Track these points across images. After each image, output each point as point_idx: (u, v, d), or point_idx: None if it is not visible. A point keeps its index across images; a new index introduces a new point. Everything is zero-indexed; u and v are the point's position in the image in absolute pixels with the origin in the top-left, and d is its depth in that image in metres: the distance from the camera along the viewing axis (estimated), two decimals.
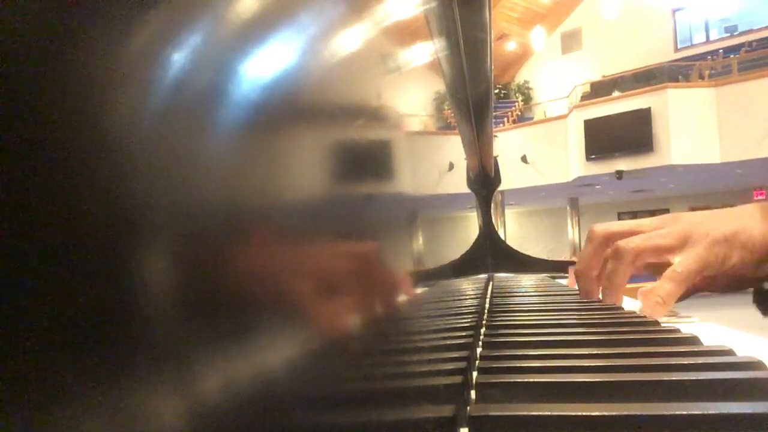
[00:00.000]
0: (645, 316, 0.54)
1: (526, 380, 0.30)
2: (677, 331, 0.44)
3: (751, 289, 0.60)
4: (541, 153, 9.60)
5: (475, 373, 0.33)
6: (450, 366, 0.30)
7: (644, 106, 8.35)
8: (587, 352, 0.36)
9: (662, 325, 0.47)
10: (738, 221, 0.57)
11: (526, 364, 0.33)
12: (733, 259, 0.55)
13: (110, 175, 0.07)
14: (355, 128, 0.20)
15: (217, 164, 0.10)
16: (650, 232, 0.61)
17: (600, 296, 0.66)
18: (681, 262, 0.57)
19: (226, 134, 0.10)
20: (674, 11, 12.22)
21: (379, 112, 0.25)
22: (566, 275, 1.20)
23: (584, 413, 0.24)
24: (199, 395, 0.08)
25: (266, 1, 0.13)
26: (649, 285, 0.62)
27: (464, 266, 0.75)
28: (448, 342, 0.36)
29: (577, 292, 0.71)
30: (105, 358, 0.07)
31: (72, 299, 0.06)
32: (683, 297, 0.63)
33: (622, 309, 0.61)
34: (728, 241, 0.55)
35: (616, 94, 9.44)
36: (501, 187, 1.49)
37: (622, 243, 0.61)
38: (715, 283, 0.63)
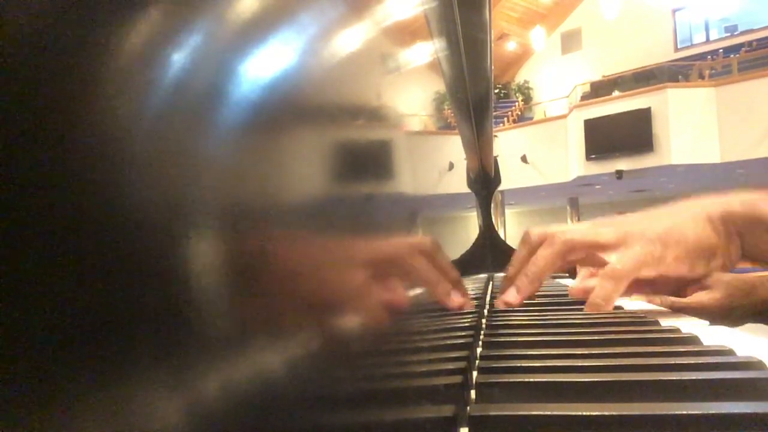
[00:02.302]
0: (645, 316, 0.54)
1: (526, 380, 0.30)
2: (677, 330, 0.44)
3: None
4: (541, 153, 9.59)
5: (475, 373, 0.33)
6: (450, 366, 0.30)
7: (644, 106, 8.35)
8: (587, 352, 0.36)
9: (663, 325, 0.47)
10: (670, 219, 0.57)
11: (526, 364, 0.33)
12: (668, 258, 0.55)
13: (110, 174, 0.07)
14: (355, 128, 0.20)
15: (217, 164, 0.10)
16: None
17: (509, 296, 0.60)
18: (619, 260, 0.56)
19: (226, 134, 0.10)
20: (674, 11, 12.22)
21: (379, 112, 0.25)
22: (566, 275, 1.19)
23: (584, 413, 0.24)
24: (200, 395, 0.08)
25: (266, 1, 0.13)
26: (591, 281, 0.60)
27: (464, 266, 0.75)
28: (448, 342, 0.36)
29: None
30: (105, 358, 0.07)
31: (71, 298, 0.06)
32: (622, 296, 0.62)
33: (622, 309, 0.61)
34: (662, 240, 0.55)
35: (616, 94, 9.44)
36: (501, 187, 1.49)
37: (557, 232, 0.60)
38: (655, 286, 0.62)
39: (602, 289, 0.56)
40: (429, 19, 0.49)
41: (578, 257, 0.60)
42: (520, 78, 14.30)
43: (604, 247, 0.58)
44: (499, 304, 0.62)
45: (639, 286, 0.62)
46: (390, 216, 0.26)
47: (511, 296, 0.61)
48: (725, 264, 0.57)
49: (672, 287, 0.62)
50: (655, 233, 0.56)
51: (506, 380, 0.30)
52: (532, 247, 0.61)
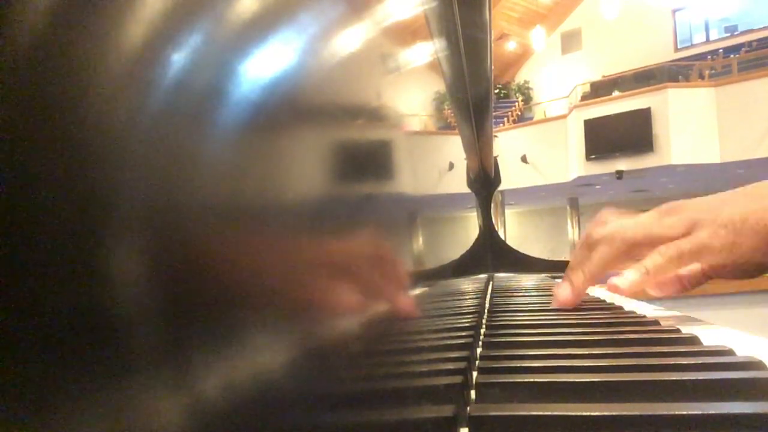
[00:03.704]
0: (645, 316, 0.53)
1: (526, 380, 0.30)
2: (677, 331, 0.44)
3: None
4: (541, 153, 9.59)
5: (475, 373, 0.33)
6: (450, 366, 0.30)
7: (644, 106, 8.35)
8: (587, 352, 0.36)
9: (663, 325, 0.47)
10: (749, 204, 0.50)
11: (526, 364, 0.33)
12: (744, 246, 0.49)
13: (110, 174, 0.07)
14: (355, 128, 0.20)
15: (217, 164, 0.10)
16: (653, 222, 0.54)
17: (561, 293, 0.57)
18: (678, 242, 0.51)
19: (226, 134, 0.10)
20: (674, 11, 12.22)
21: (379, 112, 0.25)
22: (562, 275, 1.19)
23: (584, 413, 0.24)
24: (200, 395, 0.08)
25: (266, 1, 0.13)
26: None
27: (464, 266, 0.75)
28: (448, 342, 0.36)
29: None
30: (106, 359, 0.07)
31: (70, 299, 0.06)
32: (691, 285, 0.57)
33: (622, 309, 0.61)
34: (736, 226, 0.49)
35: (616, 94, 9.44)
36: (501, 187, 1.49)
37: (618, 230, 0.55)
38: (726, 270, 0.56)
39: (650, 260, 0.51)
40: (429, 19, 0.49)
41: (644, 253, 0.54)
42: (520, 78, 14.29)
43: (672, 240, 0.52)
44: (554, 304, 0.59)
45: (709, 271, 0.57)
46: (390, 216, 0.26)
47: (564, 292, 0.57)
48: None
49: (747, 270, 0.55)
50: (728, 218, 0.49)
51: (506, 380, 0.30)
52: (592, 248, 0.56)
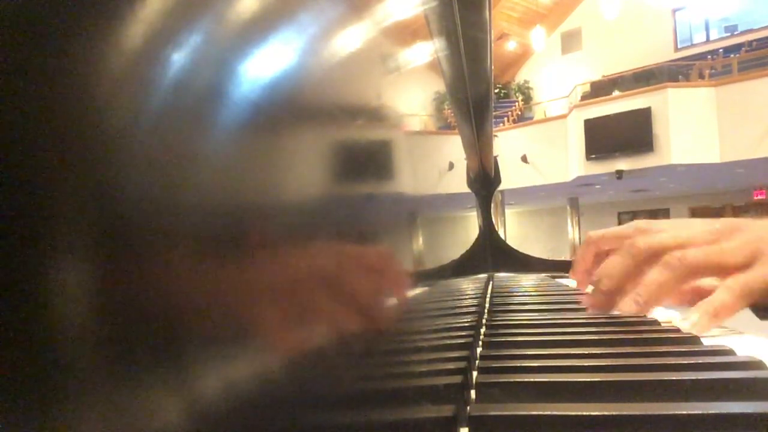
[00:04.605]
0: (645, 315, 0.53)
1: (526, 380, 0.30)
2: (677, 330, 0.44)
3: None
4: (541, 153, 9.60)
5: (475, 373, 0.33)
6: (450, 366, 0.30)
7: (644, 105, 8.35)
8: (587, 352, 0.36)
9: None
10: None
11: (526, 364, 0.33)
12: None
13: (110, 174, 0.07)
14: (355, 128, 0.20)
15: (217, 164, 0.10)
16: (710, 245, 0.49)
17: (617, 306, 0.52)
18: (746, 275, 0.46)
19: (226, 134, 0.10)
20: (674, 11, 12.22)
21: (379, 112, 0.25)
22: (566, 275, 1.19)
23: (584, 413, 0.24)
24: (200, 395, 0.08)
25: (266, 1, 0.13)
26: (705, 280, 0.50)
27: (464, 266, 0.75)
28: (448, 342, 0.36)
29: (578, 290, 0.70)
30: (106, 359, 0.07)
31: (70, 299, 0.06)
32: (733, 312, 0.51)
33: None
34: None
35: (616, 93, 9.44)
36: (501, 187, 1.49)
37: (677, 254, 0.49)
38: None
39: (717, 299, 0.46)
40: (429, 19, 0.49)
41: (702, 278, 0.50)
42: (520, 78, 14.29)
43: (735, 269, 0.47)
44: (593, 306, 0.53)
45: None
46: (390, 216, 0.26)
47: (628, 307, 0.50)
48: None
49: None
50: None
51: (506, 380, 0.30)
52: (637, 260, 0.50)
